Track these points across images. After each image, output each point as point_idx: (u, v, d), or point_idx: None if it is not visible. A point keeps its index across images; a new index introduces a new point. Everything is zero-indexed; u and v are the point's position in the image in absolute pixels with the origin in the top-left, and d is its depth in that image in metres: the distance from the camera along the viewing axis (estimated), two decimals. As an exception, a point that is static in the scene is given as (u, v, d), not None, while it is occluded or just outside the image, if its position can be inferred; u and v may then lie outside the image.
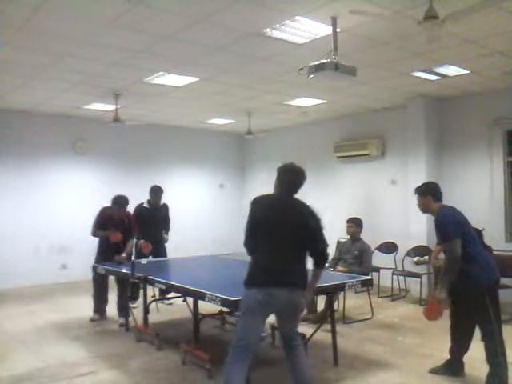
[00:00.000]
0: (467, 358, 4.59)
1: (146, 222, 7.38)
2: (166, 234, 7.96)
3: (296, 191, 3.71)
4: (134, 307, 6.82)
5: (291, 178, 3.71)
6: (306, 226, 3.58)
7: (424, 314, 4.47)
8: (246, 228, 3.62)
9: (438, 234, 4.37)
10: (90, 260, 6.79)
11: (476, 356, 4.49)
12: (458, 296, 4.28)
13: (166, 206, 8.03)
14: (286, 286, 3.48)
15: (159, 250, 7.66)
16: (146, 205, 7.69)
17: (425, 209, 4.54)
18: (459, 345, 4.55)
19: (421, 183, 4.73)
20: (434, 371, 4.65)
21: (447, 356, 4.66)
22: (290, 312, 3.59)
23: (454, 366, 4.59)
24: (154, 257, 7.39)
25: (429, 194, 4.49)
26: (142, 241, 7.33)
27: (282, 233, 3.53)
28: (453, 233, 4.18)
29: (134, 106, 8.91)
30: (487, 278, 4.26)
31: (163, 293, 6.78)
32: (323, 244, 3.66)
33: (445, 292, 4.19)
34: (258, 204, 3.65)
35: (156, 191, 7.71)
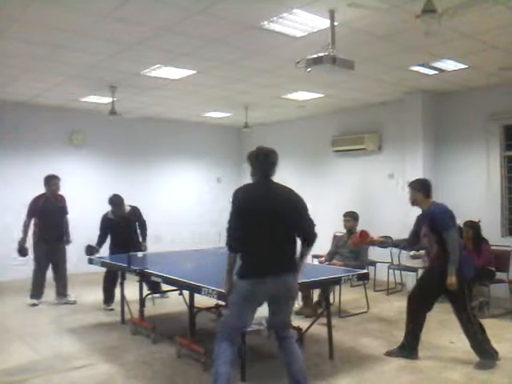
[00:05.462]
0: (461, 351, 4.61)
1: (113, 233, 6.96)
2: (144, 240, 7.22)
3: (274, 172, 3.71)
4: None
5: (266, 160, 3.69)
6: (295, 209, 3.66)
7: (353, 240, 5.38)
8: (233, 222, 3.60)
9: (435, 226, 4.65)
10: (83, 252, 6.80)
11: (470, 349, 4.50)
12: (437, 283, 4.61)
13: (134, 211, 7.16)
14: (280, 274, 3.57)
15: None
16: (110, 215, 6.99)
17: (414, 202, 4.92)
18: (419, 328, 4.81)
19: (417, 178, 5.02)
20: (389, 353, 4.92)
21: (441, 349, 4.71)
22: (284, 298, 3.67)
23: (413, 348, 4.83)
24: None
25: (421, 190, 4.86)
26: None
27: (272, 221, 3.56)
28: (451, 223, 4.61)
29: (130, 99, 8.87)
30: (470, 270, 4.77)
31: (153, 287, 6.73)
32: (311, 223, 3.74)
33: (454, 276, 4.50)
34: (243, 195, 3.66)
35: (114, 202, 6.91)
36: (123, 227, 6.97)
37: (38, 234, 7.16)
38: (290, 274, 3.64)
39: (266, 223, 3.56)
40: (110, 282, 6.86)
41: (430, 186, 4.91)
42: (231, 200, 3.64)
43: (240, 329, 3.72)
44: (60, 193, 7.44)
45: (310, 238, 3.73)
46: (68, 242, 7.44)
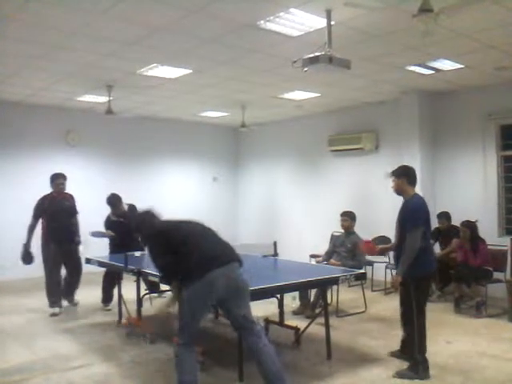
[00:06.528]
0: (458, 351, 4.61)
1: (116, 233, 6.97)
2: None
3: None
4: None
5: (153, 216, 4.15)
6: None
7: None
8: (160, 253, 3.83)
9: (405, 219, 4.46)
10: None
11: (467, 349, 4.51)
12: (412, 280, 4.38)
13: (132, 208, 7.15)
14: (225, 264, 3.66)
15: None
16: (112, 217, 7.07)
17: (399, 190, 4.64)
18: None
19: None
20: (393, 354, 4.83)
21: (438, 349, 4.69)
22: (236, 294, 3.70)
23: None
24: None
25: (403, 176, 4.60)
26: (108, 231, 7.05)
27: (195, 226, 3.95)
28: (418, 222, 4.36)
29: (126, 98, 8.85)
30: (433, 265, 4.56)
31: (151, 287, 6.73)
32: None
33: (401, 276, 4.35)
34: (160, 228, 3.98)
35: (111, 202, 7.02)
36: (125, 226, 6.83)
37: (46, 235, 6.73)
38: (235, 264, 3.75)
39: (193, 231, 3.87)
40: (110, 282, 6.83)
41: (414, 173, 4.64)
42: (148, 241, 3.97)
43: (196, 329, 3.69)
44: (69, 192, 7.11)
45: None
46: (78, 242, 7.02)
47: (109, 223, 7.10)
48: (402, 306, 4.65)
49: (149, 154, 11.09)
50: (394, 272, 4.62)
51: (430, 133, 8.53)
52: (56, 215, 6.76)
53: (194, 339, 3.69)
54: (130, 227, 6.98)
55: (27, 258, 6.67)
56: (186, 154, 11.81)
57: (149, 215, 4.15)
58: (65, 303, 7.04)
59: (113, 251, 6.92)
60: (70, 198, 7.13)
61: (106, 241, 7.17)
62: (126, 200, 7.30)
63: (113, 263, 6.05)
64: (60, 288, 6.88)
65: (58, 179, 6.91)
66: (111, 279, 6.72)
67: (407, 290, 4.38)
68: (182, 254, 3.70)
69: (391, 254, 8.23)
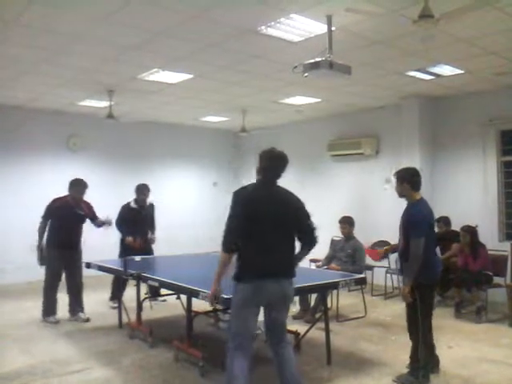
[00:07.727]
0: (458, 356, 4.61)
1: (131, 223, 7.22)
2: (153, 234, 7.62)
3: (280, 177, 3.71)
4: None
5: (277, 163, 3.69)
6: (298, 214, 3.70)
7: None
8: (233, 222, 3.52)
9: (407, 228, 4.39)
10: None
11: (468, 354, 4.50)
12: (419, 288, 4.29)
13: (152, 206, 7.66)
14: (279, 278, 3.57)
15: (147, 250, 7.42)
16: (133, 204, 7.42)
17: (401, 195, 4.56)
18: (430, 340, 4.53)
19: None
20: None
21: (440, 354, 4.67)
22: (281, 303, 3.64)
23: (433, 364, 4.52)
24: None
25: (406, 182, 4.48)
26: (129, 238, 7.17)
27: (276, 224, 3.54)
28: (420, 232, 4.26)
29: (128, 103, 8.88)
30: (436, 272, 4.45)
31: (153, 291, 6.76)
32: (314, 228, 3.77)
33: (408, 286, 4.26)
34: (248, 196, 3.60)
35: (141, 189, 7.42)
36: (142, 218, 7.37)
37: (50, 238, 6.57)
38: (288, 280, 3.64)
39: (270, 226, 3.52)
40: (118, 285, 6.77)
41: (417, 176, 4.51)
42: (233, 200, 3.55)
43: (249, 334, 3.59)
44: (87, 200, 6.85)
45: (311, 243, 3.77)
46: (109, 222, 6.78)
47: (126, 210, 7.36)
48: (408, 314, 4.52)
49: (150, 159, 11.10)
50: (398, 279, 4.56)
51: (430, 138, 8.54)
52: (62, 220, 6.54)
53: (248, 343, 3.56)
54: (146, 220, 7.42)
55: (41, 260, 6.48)
56: (187, 159, 11.82)
57: (268, 170, 3.68)
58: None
59: (122, 255, 6.96)
60: (86, 207, 6.79)
61: (106, 243, 7.21)
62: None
63: (111, 267, 6.03)
64: (56, 294, 6.63)
65: (75, 186, 6.67)
66: (119, 284, 6.70)
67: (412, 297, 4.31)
68: (246, 238, 3.51)
69: (392, 258, 8.27)
